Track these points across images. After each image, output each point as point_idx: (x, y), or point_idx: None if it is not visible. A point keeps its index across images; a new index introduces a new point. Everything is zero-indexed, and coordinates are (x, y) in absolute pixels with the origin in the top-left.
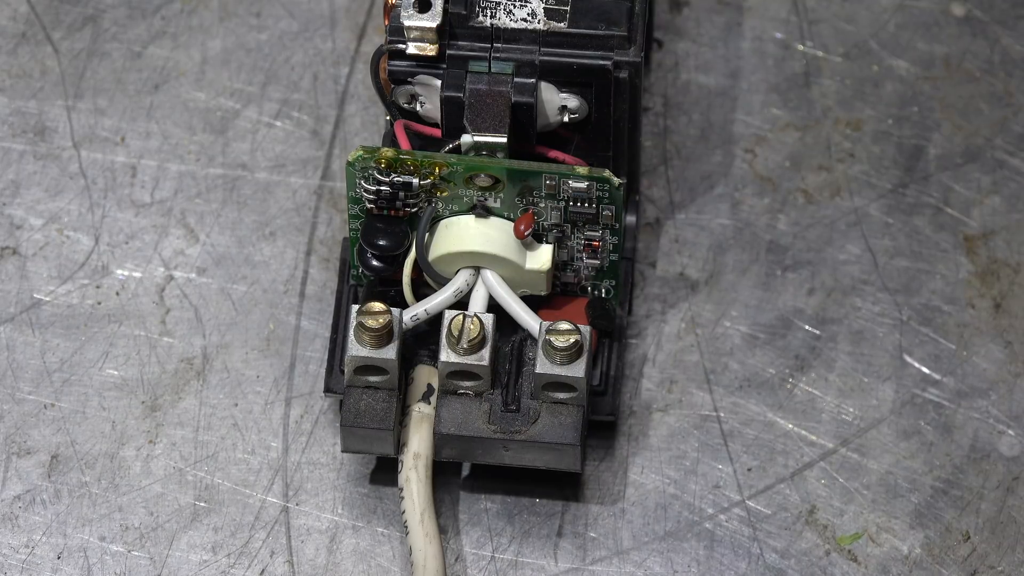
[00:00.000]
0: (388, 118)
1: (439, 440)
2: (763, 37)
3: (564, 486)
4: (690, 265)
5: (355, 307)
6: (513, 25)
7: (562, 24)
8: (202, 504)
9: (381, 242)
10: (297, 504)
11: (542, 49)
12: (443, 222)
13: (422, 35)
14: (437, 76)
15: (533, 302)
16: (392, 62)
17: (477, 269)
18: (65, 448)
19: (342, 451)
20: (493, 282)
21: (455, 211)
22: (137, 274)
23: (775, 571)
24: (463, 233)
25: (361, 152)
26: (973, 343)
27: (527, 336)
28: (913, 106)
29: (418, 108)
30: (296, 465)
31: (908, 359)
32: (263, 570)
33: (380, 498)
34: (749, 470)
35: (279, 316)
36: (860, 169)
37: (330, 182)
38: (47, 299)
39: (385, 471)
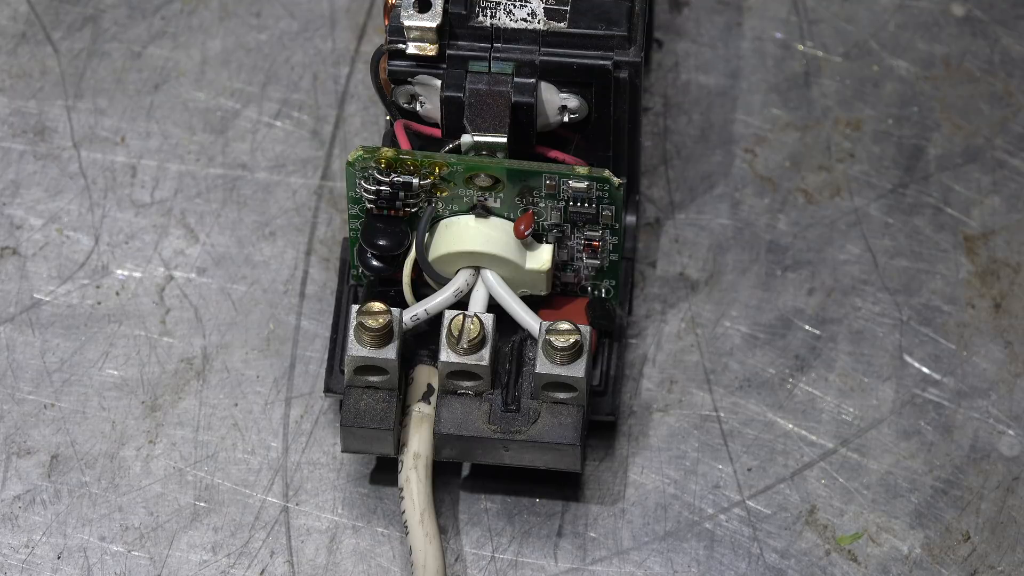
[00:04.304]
0: (388, 118)
1: (439, 440)
2: (763, 37)
3: (564, 486)
4: (690, 265)
5: (355, 307)
6: (513, 25)
7: (562, 24)
8: (202, 504)
9: (381, 242)
10: (297, 504)
11: (542, 49)
12: (443, 222)
13: (422, 35)
14: (437, 76)
15: (533, 302)
16: (392, 62)
17: (477, 269)
18: (65, 448)
19: (342, 451)
20: (493, 282)
21: (455, 211)
22: (137, 274)
23: (775, 571)
24: (463, 233)
25: (361, 152)
26: (973, 343)
27: (527, 336)
28: (913, 106)
29: (418, 108)
30: (296, 465)
31: (908, 359)
32: (263, 570)
33: (380, 498)
34: (749, 470)
35: (279, 316)
36: (860, 169)
37: (330, 182)
38: (47, 299)
39: (385, 471)
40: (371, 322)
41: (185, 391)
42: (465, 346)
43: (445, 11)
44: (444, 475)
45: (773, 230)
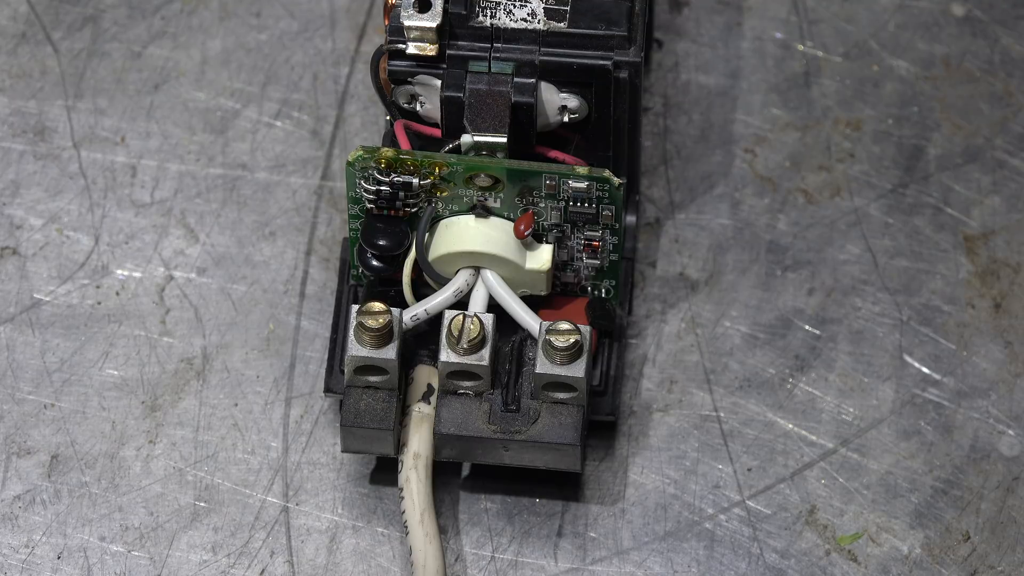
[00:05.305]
0: (388, 118)
1: (439, 440)
2: (763, 37)
3: (564, 486)
4: (690, 265)
5: (355, 307)
6: (513, 25)
7: (562, 24)
8: (202, 504)
9: (381, 242)
10: (297, 504)
11: (542, 49)
12: (443, 222)
13: (422, 35)
14: (437, 76)
15: (533, 302)
16: (392, 62)
17: (477, 269)
18: (65, 448)
19: (342, 451)
20: (493, 282)
21: (455, 211)
22: (137, 274)
23: (775, 571)
24: (463, 233)
25: (361, 152)
26: (973, 343)
27: (527, 336)
28: (913, 106)
29: (418, 108)
30: (296, 465)
31: (908, 359)
32: (263, 570)
33: (380, 498)
34: (749, 470)
35: (279, 316)
36: (860, 169)
37: (330, 182)
38: (47, 299)
39: (385, 471)
40: (371, 322)
41: (185, 391)
42: (465, 346)
43: (445, 11)
44: (444, 475)
45: (773, 230)
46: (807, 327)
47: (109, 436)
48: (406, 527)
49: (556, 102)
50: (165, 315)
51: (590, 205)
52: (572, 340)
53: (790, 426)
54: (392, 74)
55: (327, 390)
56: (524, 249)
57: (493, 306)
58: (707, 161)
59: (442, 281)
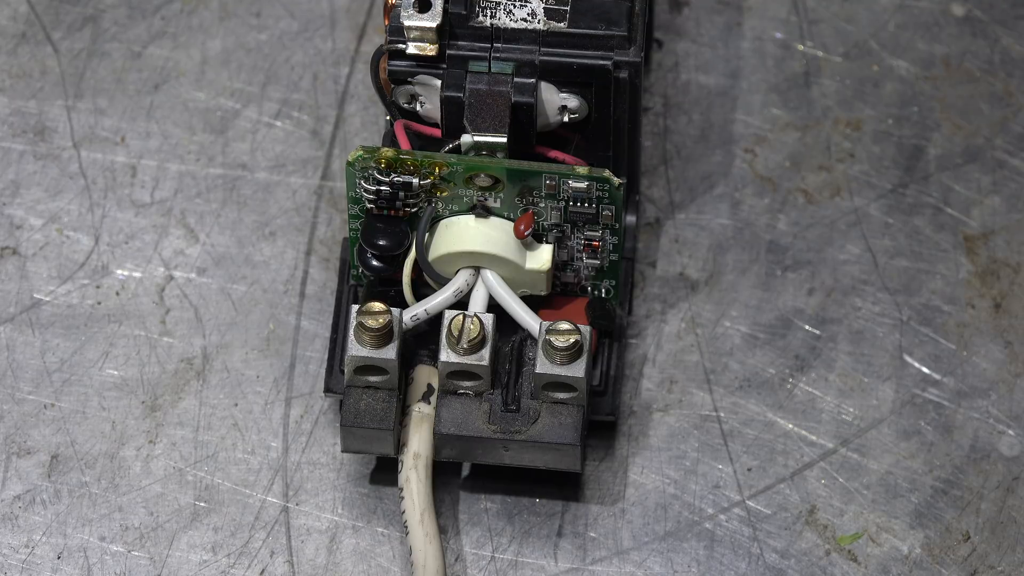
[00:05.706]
0: (388, 118)
1: (439, 440)
2: (763, 37)
3: (564, 486)
4: (690, 265)
5: (355, 307)
6: (513, 25)
7: (562, 24)
8: (202, 504)
9: (381, 242)
10: (297, 504)
11: (542, 49)
12: (443, 222)
13: (422, 35)
14: (437, 76)
15: (533, 302)
16: (392, 62)
17: (477, 269)
18: (65, 448)
19: (342, 451)
20: (493, 282)
21: (455, 211)
22: (137, 274)
23: (775, 571)
24: (463, 233)
25: (361, 152)
26: (973, 343)
27: (527, 336)
28: (913, 106)
29: (418, 108)
30: (296, 465)
31: (908, 359)
32: (263, 570)
33: (380, 498)
34: (749, 470)
35: (279, 316)
36: (860, 169)
37: (330, 182)
38: (47, 299)
39: (385, 471)
40: (371, 322)
41: (185, 391)
42: (465, 346)
43: (445, 11)
44: (444, 475)
45: (773, 230)
46: (807, 327)
47: (109, 436)
48: (406, 527)
49: (556, 102)
50: (165, 315)
51: (590, 205)
52: (572, 340)
53: (790, 426)
54: (392, 74)
55: (327, 390)
56: (524, 249)
57: (493, 306)
58: (707, 161)
59: (442, 281)
